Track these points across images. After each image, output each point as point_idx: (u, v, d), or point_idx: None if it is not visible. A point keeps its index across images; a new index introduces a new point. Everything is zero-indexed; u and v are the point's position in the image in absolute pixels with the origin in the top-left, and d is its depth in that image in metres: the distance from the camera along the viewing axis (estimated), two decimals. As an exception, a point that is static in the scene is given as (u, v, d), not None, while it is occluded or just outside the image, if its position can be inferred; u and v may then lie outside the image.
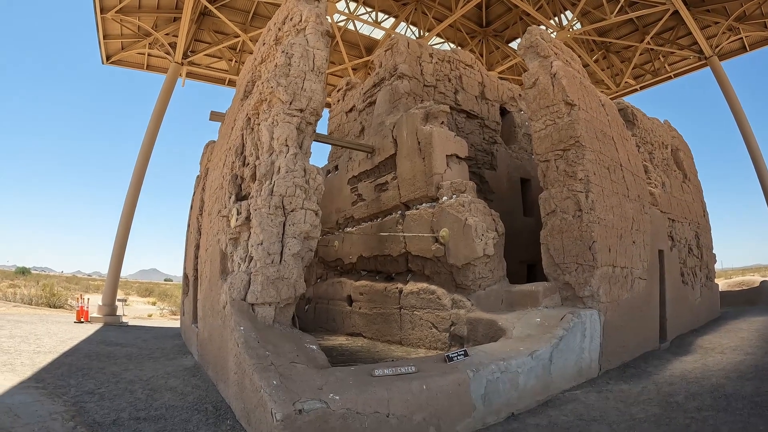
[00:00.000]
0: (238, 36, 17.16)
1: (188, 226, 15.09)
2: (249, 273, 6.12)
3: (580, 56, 17.94)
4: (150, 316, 20.26)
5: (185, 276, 14.63)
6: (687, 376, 6.81)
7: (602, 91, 20.22)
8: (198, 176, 15.09)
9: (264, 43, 8.47)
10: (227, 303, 6.04)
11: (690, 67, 17.85)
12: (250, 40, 17.26)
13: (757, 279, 17.53)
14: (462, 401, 4.92)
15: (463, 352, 5.43)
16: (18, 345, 9.71)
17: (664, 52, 17.51)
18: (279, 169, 6.42)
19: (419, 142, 9.93)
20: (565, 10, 16.73)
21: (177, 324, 17.73)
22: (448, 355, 5.37)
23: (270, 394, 4.30)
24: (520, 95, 14.16)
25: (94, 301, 16.58)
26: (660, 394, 5.97)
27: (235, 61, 18.51)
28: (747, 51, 17.18)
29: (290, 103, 6.65)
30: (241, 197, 7.02)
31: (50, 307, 17.62)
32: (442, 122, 10.28)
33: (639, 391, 6.14)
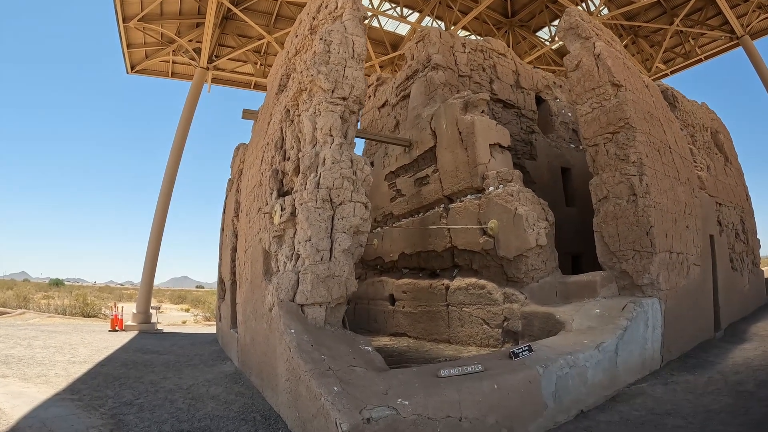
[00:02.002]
0: (262, 38, 16.70)
1: (222, 230, 14.64)
2: (297, 272, 5.52)
3: (611, 42, 17.18)
4: (184, 322, 19.88)
5: (220, 281, 14.15)
6: (751, 364, 6.45)
7: None
8: (230, 179, 14.65)
9: (297, 35, 7.90)
10: (274, 305, 5.46)
11: (721, 48, 16.87)
12: (275, 41, 16.76)
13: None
14: (534, 400, 4.51)
15: (527, 348, 5.00)
16: (52, 355, 9.32)
17: (694, 33, 16.56)
18: (324, 160, 5.83)
19: (460, 133, 9.28)
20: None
21: (212, 330, 17.31)
22: (513, 351, 4.91)
23: (332, 402, 3.81)
24: (554, 83, 13.38)
25: (127, 310, 16.22)
26: (728, 384, 5.64)
27: (260, 64, 18.06)
28: None
29: (332, 92, 6.07)
30: (283, 193, 6.42)
31: (84, 316, 17.36)
32: (483, 111, 9.59)
33: (705, 382, 5.81)
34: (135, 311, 15.40)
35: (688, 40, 16.89)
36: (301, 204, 5.65)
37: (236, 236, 11.11)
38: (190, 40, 16.12)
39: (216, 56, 16.76)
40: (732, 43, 16.15)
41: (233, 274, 10.80)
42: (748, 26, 15.33)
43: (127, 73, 17.14)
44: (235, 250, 10.92)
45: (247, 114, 9.18)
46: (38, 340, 11.02)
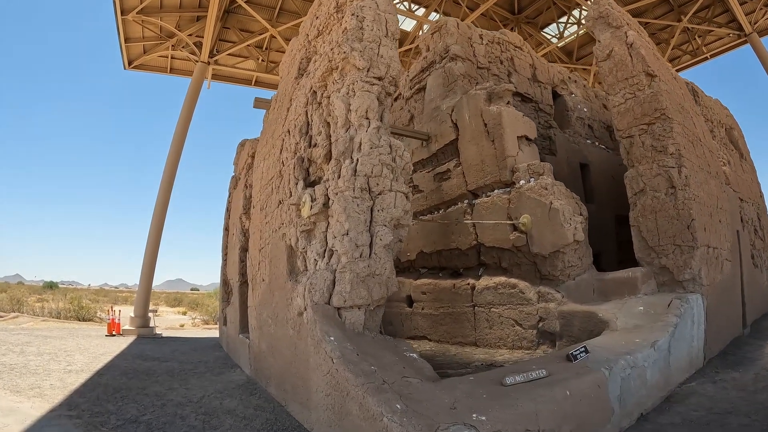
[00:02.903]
0: (264, 32, 15.85)
1: (226, 230, 13.80)
2: (332, 270, 4.78)
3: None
4: (182, 326, 18.92)
5: (224, 283, 13.28)
6: (790, 360, 6.20)
7: None
8: (233, 177, 13.86)
9: (317, 17, 7.13)
10: (306, 308, 4.72)
11: (728, 45, 16.43)
12: (280, 36, 15.91)
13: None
14: (602, 405, 4.09)
15: (583, 348, 4.54)
16: (47, 363, 8.42)
17: (701, 31, 16.11)
18: (360, 145, 5.09)
19: (486, 124, 8.61)
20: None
21: (213, 334, 16.42)
22: (571, 353, 4.44)
23: (399, 422, 3.16)
24: (569, 78, 12.78)
25: (124, 313, 15.22)
26: (777, 380, 5.37)
27: (262, 60, 17.18)
28: None
29: (367, 70, 5.35)
30: (309, 183, 5.63)
31: (79, 320, 16.32)
32: (508, 102, 8.93)
33: (753, 379, 5.59)
34: (133, 315, 14.44)
35: (695, 38, 16.44)
36: (337, 193, 4.88)
37: (245, 235, 10.30)
38: (190, 35, 15.24)
39: (216, 51, 15.87)
40: (740, 40, 15.72)
41: (242, 275, 9.97)
42: (755, 24, 14.88)
43: (125, 68, 16.20)
44: (244, 249, 10.11)
45: (259, 103, 8.40)
46: (32, 346, 10.08)
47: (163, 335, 14.58)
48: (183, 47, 15.40)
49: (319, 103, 5.73)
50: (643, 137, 7.67)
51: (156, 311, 16.73)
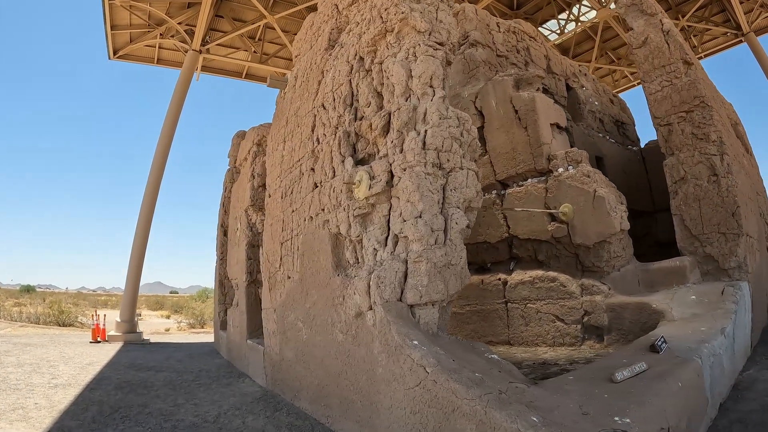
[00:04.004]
0: (260, 20, 14.73)
1: (221, 227, 12.68)
2: (403, 260, 3.87)
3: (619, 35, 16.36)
4: (167, 330, 17.55)
5: (220, 284, 12.17)
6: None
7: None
8: (229, 170, 12.79)
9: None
10: (374, 307, 3.85)
11: (724, 45, 16.33)
12: (277, 24, 14.89)
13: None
14: (702, 395, 3.77)
15: (662, 338, 4.17)
16: (29, 377, 7.27)
17: (697, 30, 15.98)
18: (426, 115, 4.27)
19: (516, 111, 7.97)
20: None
21: (202, 338, 15.17)
22: (655, 344, 4.06)
23: None
24: (579, 71, 12.27)
25: (108, 318, 13.82)
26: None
27: (255, 51, 16.08)
28: None
29: (429, 34, 4.54)
30: (358, 160, 4.76)
31: (59, 325, 14.84)
32: (538, 89, 8.29)
33: None
34: (119, 320, 13.11)
35: (691, 37, 16.30)
36: (405, 169, 4.03)
37: (252, 229, 9.30)
38: (180, 23, 14.07)
39: (209, 39, 14.71)
40: (736, 39, 15.59)
41: (250, 273, 8.97)
42: (752, 23, 14.78)
43: (109, 58, 14.84)
44: (252, 245, 9.10)
45: (274, 82, 7.46)
46: (11, 356, 8.81)
47: (151, 341, 13.30)
48: (173, 35, 14.21)
49: (368, 71, 4.88)
50: (682, 125, 7.45)
51: (140, 315, 15.40)
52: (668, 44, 7.62)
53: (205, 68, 16.39)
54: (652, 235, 9.87)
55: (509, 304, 7.61)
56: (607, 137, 11.80)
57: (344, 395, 4.21)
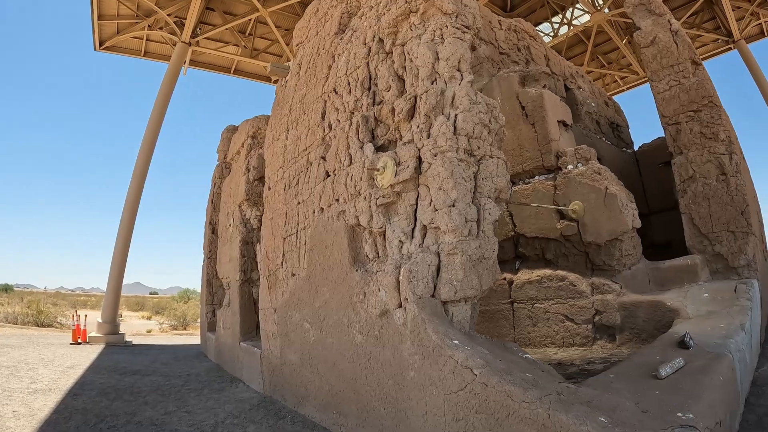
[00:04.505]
0: (252, 13, 14.21)
1: (209, 224, 12.10)
2: (435, 253, 3.49)
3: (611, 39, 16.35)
4: (149, 332, 16.80)
5: (208, 284, 11.59)
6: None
7: (630, 76, 18.71)
8: (218, 166, 12.27)
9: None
10: (407, 303, 3.47)
11: (715, 51, 16.46)
12: (269, 17, 14.39)
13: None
14: (736, 389, 3.63)
15: (687, 334, 4.03)
16: (6, 381, 6.71)
17: (691, 36, 16.07)
18: (454, 100, 3.94)
19: (523, 108, 7.73)
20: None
21: (186, 340, 14.54)
22: (683, 341, 3.92)
23: None
24: (577, 72, 12.12)
25: (89, 319, 13.06)
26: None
27: (245, 46, 15.52)
28: (765, 36, 15.89)
29: (456, 17, 4.21)
30: (378, 147, 4.37)
31: (38, 326, 14.00)
32: (544, 86, 8.05)
33: None
34: (100, 321, 12.38)
35: None
36: (436, 154, 3.66)
37: (246, 225, 8.80)
38: (170, 14, 13.45)
39: (199, 30, 14.11)
40: (726, 46, 15.73)
41: (244, 272, 8.46)
42: (743, 30, 14.92)
43: (95, 49, 14.12)
44: (247, 242, 8.61)
45: (276, 69, 7.02)
46: (-14, 358, 8.12)
47: (134, 343, 12.61)
48: (161, 27, 13.58)
49: (388, 53, 4.51)
50: (691, 124, 7.35)
51: (121, 316, 14.65)
52: (677, 44, 7.55)
53: (193, 62, 15.79)
54: (647, 236, 9.75)
55: (515, 304, 7.32)
56: (603, 139, 11.67)
57: (364, 402, 3.80)
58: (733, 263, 6.49)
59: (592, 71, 18.73)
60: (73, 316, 12.82)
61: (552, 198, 7.12)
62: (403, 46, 4.37)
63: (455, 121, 3.81)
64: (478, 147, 3.88)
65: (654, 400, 2.80)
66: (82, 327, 11.69)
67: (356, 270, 4.08)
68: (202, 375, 8.13)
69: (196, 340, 14.56)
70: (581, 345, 6.58)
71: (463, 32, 4.20)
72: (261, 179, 8.83)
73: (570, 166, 7.08)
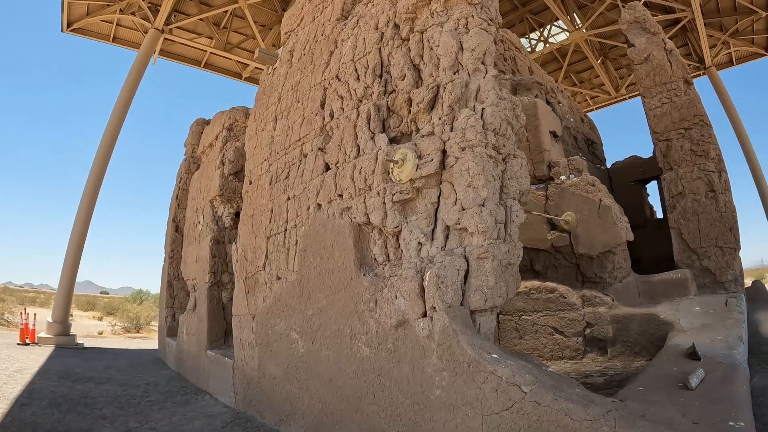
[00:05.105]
0: (232, 3, 13.42)
1: (172, 221, 11.21)
2: (463, 257, 3.05)
3: (587, 58, 16.58)
4: (101, 333, 15.50)
5: (169, 286, 10.68)
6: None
7: (601, 96, 19.03)
8: (185, 160, 11.42)
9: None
10: (435, 312, 3.04)
11: (687, 75, 16.98)
12: (248, 10, 13.65)
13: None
14: (749, 398, 3.41)
15: (693, 345, 4.02)
16: None
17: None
18: (479, 93, 3.58)
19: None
20: (572, 12, 15.12)
21: (140, 344, 13.43)
22: (694, 352, 3.86)
23: None
24: (557, 87, 12.10)
25: (39, 317, 11.78)
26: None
27: (219, 39, 14.66)
28: (733, 65, 16.58)
29: (481, 8, 3.85)
30: (391, 139, 3.91)
31: (-19, 323, 12.47)
32: (536, 95, 7.86)
33: None
34: (50, 320, 11.17)
35: None
36: (464, 148, 3.24)
37: (217, 223, 8.07)
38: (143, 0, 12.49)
39: (173, 18, 13.17)
40: (697, 72, 16.15)
41: (214, 273, 7.72)
42: (714, 57, 15.51)
43: (62, 31, 12.93)
44: (218, 241, 7.88)
45: (263, 56, 6.42)
46: None
47: (85, 345, 11.45)
48: (134, 12, 12.58)
49: (404, 40, 4.06)
50: (681, 141, 7.47)
51: (71, 316, 13.37)
52: (671, 63, 7.69)
53: (163, 52, 14.78)
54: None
55: (501, 315, 6.98)
56: (580, 154, 11.69)
57: (370, 424, 3.30)
58: (720, 278, 6.59)
59: (564, 89, 19.02)
60: (21, 314, 11.50)
61: (543, 208, 6.91)
62: (422, 33, 3.96)
63: (482, 115, 3.41)
64: (503, 145, 3.51)
65: (698, 411, 2.65)
66: (30, 326, 10.53)
67: (363, 274, 3.58)
68: (162, 384, 7.33)
69: (151, 344, 13.52)
70: (571, 358, 6.37)
71: (489, 24, 3.82)
72: (237, 174, 8.17)
73: (563, 177, 6.91)
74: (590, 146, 12.43)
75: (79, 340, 11.59)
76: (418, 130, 3.74)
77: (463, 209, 3.14)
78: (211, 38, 14.98)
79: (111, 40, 13.76)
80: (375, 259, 3.69)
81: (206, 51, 15.48)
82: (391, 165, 3.48)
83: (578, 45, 15.87)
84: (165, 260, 11.33)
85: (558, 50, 16.69)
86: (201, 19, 13.93)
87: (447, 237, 3.27)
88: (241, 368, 5.65)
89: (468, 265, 3.04)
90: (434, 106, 3.63)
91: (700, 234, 6.87)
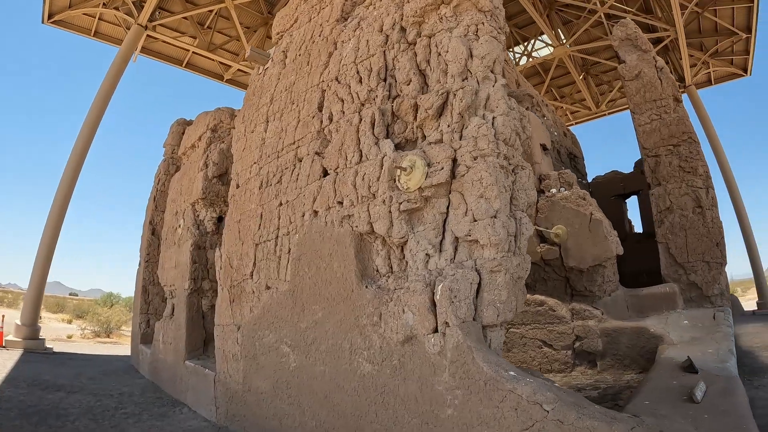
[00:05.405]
0: (219, 3, 13.04)
1: (149, 224, 10.75)
2: (474, 269, 2.88)
3: (569, 73, 16.80)
4: (70, 337, 14.74)
5: (143, 291, 10.20)
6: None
7: (582, 111, 19.30)
8: (164, 161, 11.01)
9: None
10: (449, 328, 2.88)
11: (665, 94, 17.37)
12: (234, 11, 13.30)
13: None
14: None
15: (688, 359, 4.07)
16: None
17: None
18: (488, 101, 3.47)
19: (507, 128, 7.33)
20: (554, 28, 15.32)
21: (111, 350, 12.83)
22: (691, 365, 3.89)
23: None
24: (542, 101, 12.17)
25: (5, 320, 11.08)
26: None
27: (201, 39, 14.23)
28: (711, 84, 17.00)
29: (491, 15, 3.76)
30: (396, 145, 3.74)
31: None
32: (528, 108, 7.83)
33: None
34: (19, 323, 10.51)
35: None
36: (477, 158, 3.09)
37: (199, 227, 7.72)
38: (127, -6, 12.01)
39: (157, 15, 12.70)
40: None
41: (194, 280, 7.35)
42: (694, 76, 15.87)
43: (42, 22, 12.29)
44: (200, 247, 7.52)
45: (255, 55, 6.17)
46: None
47: (55, 350, 10.82)
48: (117, 7, 12.06)
49: (410, 44, 3.91)
50: (670, 157, 7.55)
51: (40, 318, 12.65)
52: (661, 80, 7.79)
53: (145, 50, 14.26)
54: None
55: (489, 327, 6.89)
56: (563, 168, 11.77)
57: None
58: (707, 292, 6.65)
59: (548, 103, 19.27)
60: (-12, 316, 10.79)
61: (534, 221, 6.82)
62: (430, 38, 3.82)
63: (493, 124, 3.27)
64: (512, 155, 3.40)
65: (709, 424, 2.68)
66: (-1, 328, 9.87)
67: (366, 286, 3.37)
68: (137, 395, 6.93)
69: (122, 350, 12.93)
70: (560, 371, 6.37)
71: (498, 33, 3.71)
72: (221, 177, 7.86)
73: (553, 190, 6.86)
74: (572, 160, 12.53)
75: (48, 344, 10.97)
76: (424, 137, 3.58)
77: (475, 220, 2.99)
78: (195, 38, 14.58)
79: (92, 34, 13.21)
80: (377, 271, 3.49)
81: (189, 50, 15.05)
82: (398, 172, 3.30)
83: (561, 60, 16.07)
84: (140, 264, 10.84)
85: (541, 64, 16.88)
86: (185, 18, 13.54)
87: (456, 249, 3.10)
88: (224, 381, 5.34)
89: (480, 279, 2.87)
90: (442, 113, 3.48)
91: (687, 249, 6.93)
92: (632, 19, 11.39)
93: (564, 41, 15.13)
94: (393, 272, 3.39)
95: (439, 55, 3.69)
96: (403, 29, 4.00)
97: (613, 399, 5.44)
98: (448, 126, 3.36)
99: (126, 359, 10.58)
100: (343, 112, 4.17)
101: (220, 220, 8.00)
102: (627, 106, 18.69)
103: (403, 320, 2.99)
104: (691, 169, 7.13)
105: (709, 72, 15.93)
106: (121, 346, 14.17)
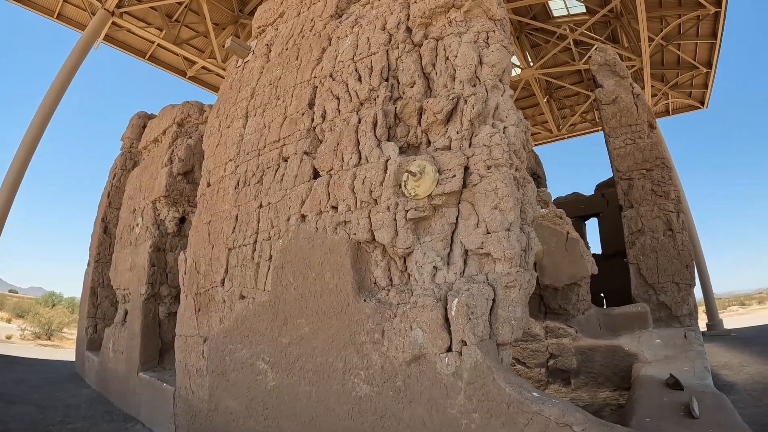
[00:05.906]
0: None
1: (101, 221, 9.90)
2: (487, 282, 2.65)
3: (534, 95, 17.12)
4: (9, 338, 13.33)
5: (92, 293, 9.34)
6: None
7: (543, 133, 19.70)
8: (121, 155, 10.22)
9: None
10: (466, 347, 2.60)
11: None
12: (206, 4, 12.63)
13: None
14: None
15: (672, 377, 4.12)
16: None
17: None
18: (497, 110, 3.31)
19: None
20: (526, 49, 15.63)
21: (54, 353, 11.71)
22: (676, 382, 3.94)
23: None
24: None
25: None
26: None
27: (168, 32, 13.44)
28: (669, 115, 17.62)
29: (501, 25, 3.63)
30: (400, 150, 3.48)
31: None
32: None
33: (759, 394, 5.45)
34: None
35: (596, 110, 17.66)
36: (490, 167, 2.85)
37: (159, 227, 7.09)
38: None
39: (125, 2, 11.83)
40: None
41: (152, 285, 6.71)
42: (654, 106, 16.39)
43: None
44: (159, 249, 6.90)
45: (236, 47, 5.73)
46: None
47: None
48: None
49: (416, 45, 3.68)
50: (642, 181, 7.71)
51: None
52: (637, 106, 7.99)
53: (108, 38, 13.30)
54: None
55: (464, 345, 6.70)
56: (543, 188, 11.92)
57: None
58: (676, 312, 6.81)
59: (507, 125, 19.63)
60: None
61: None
62: (437, 41, 3.62)
63: (506, 132, 3.07)
64: (519, 169, 3.19)
65: None
66: None
67: (364, 300, 3.04)
68: (83, 408, 6.26)
69: (64, 354, 11.91)
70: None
71: (507, 43, 3.54)
72: (186, 174, 7.31)
73: (532, 208, 6.82)
74: (536, 180, 12.74)
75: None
76: (429, 142, 3.34)
77: (488, 233, 2.77)
78: (162, 29, 13.77)
79: (55, 16, 12.19)
80: (375, 283, 3.19)
81: (153, 42, 14.20)
82: (406, 177, 3.01)
83: (528, 82, 16.45)
84: (89, 264, 9.96)
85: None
86: (154, 8, 12.78)
87: (465, 262, 2.86)
88: (185, 397, 4.81)
89: (495, 295, 2.63)
90: (450, 119, 3.24)
91: (657, 270, 7.05)
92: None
93: (531, 64, 15.51)
94: (393, 285, 3.10)
95: (447, 59, 3.49)
96: (408, 30, 3.77)
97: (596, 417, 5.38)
98: (457, 133, 3.14)
99: (70, 365, 9.65)
100: (339, 111, 3.87)
101: (182, 221, 7.42)
102: (588, 130, 19.38)
103: (411, 338, 2.71)
104: (663, 193, 7.30)
105: (668, 102, 16.74)
106: (63, 350, 13.02)
